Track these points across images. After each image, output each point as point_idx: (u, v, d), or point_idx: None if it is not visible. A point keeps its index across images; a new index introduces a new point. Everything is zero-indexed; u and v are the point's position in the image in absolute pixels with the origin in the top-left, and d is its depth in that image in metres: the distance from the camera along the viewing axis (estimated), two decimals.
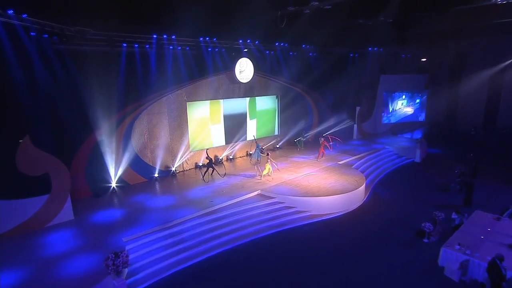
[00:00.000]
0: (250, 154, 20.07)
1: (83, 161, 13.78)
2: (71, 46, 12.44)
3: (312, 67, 22.28)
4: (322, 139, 19.39)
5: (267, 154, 16.44)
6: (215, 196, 13.80)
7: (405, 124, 27.66)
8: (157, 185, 15.33)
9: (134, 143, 15.40)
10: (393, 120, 27.44)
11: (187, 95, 16.93)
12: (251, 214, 12.95)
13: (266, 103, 21.55)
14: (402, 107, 27.38)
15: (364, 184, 15.20)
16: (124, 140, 14.94)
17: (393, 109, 27.19)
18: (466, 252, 9.43)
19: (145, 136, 15.72)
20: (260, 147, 19.31)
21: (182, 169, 17.35)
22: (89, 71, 12.91)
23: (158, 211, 12.35)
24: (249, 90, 19.82)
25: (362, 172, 17.69)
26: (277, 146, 21.95)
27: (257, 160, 18.60)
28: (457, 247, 9.73)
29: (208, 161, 15.88)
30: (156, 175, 16.12)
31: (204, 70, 17.05)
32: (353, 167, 18.19)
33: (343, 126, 24.85)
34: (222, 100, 18.63)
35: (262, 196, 14.17)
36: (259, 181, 15.56)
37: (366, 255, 10.84)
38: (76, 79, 12.72)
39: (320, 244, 11.56)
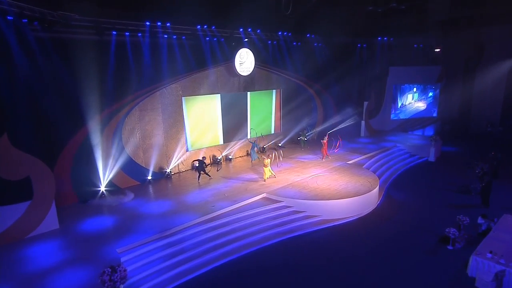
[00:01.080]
0: (250, 153, 19.67)
1: (68, 163, 13.30)
2: (54, 33, 11.91)
3: (317, 59, 22.05)
4: (325, 138, 19.06)
5: (268, 156, 15.97)
6: (216, 200, 13.45)
7: (416, 120, 27.47)
8: (151, 189, 14.90)
9: (125, 142, 14.99)
10: (402, 116, 27.24)
11: (182, 89, 16.55)
12: (257, 219, 12.62)
13: (268, 98, 21.19)
14: (413, 101, 27.18)
15: (377, 186, 14.92)
16: (113, 139, 14.50)
17: (402, 104, 26.98)
18: (500, 261, 9.13)
19: (137, 134, 15.30)
20: (258, 146, 18.98)
21: (177, 171, 17.00)
22: (75, 62, 12.45)
23: (154, 218, 11.94)
24: (250, 84, 19.50)
25: (374, 172, 17.43)
26: (280, 144, 21.65)
27: (257, 160, 18.32)
28: (489, 255, 9.42)
29: (197, 163, 15.63)
30: (149, 177, 15.76)
31: (202, 62, 16.68)
32: (364, 166, 17.98)
33: (350, 123, 24.57)
34: (220, 94, 18.27)
35: (267, 200, 13.85)
36: (263, 183, 15.22)
37: (385, 263, 10.55)
38: (60, 71, 12.23)
39: (333, 252, 11.27)
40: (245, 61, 18.31)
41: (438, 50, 25.95)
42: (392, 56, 25.23)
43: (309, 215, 13.34)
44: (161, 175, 16.22)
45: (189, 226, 11.49)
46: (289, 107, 21.81)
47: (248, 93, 19.77)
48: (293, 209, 13.47)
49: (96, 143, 13.85)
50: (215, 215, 12.30)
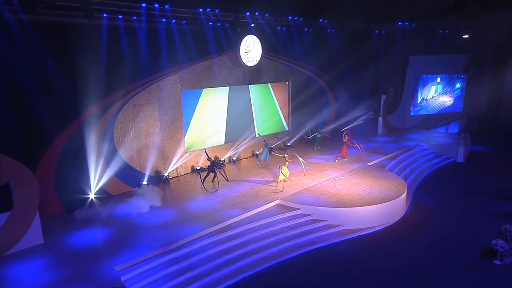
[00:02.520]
0: (257, 154, 19.34)
1: (52, 166, 12.85)
2: (36, 15, 11.47)
3: (330, 47, 21.91)
4: (346, 136, 18.72)
5: (284, 155, 15.62)
6: (223, 207, 13.14)
7: (439, 117, 27.27)
8: (146, 195, 14.28)
9: (117, 142, 14.59)
10: (424, 111, 27.01)
11: (181, 82, 16.24)
12: (272, 230, 12.30)
13: (276, 91, 20.97)
14: (436, 95, 26.92)
15: (405, 191, 14.67)
16: (104, 139, 14.08)
17: (423, 98, 26.72)
18: None
19: (130, 133, 14.94)
20: (270, 145, 18.72)
21: (176, 174, 16.70)
22: (61, 50, 12.04)
23: (156, 229, 11.56)
24: (256, 75, 19.24)
25: (397, 175, 17.19)
26: (288, 144, 21.40)
27: (266, 161, 18.10)
28: None
29: (209, 163, 15.27)
30: (144, 182, 15.38)
31: (203, 50, 16.37)
32: (386, 168, 17.82)
33: (366, 120, 24.32)
34: (223, 87, 18.01)
35: (282, 207, 13.57)
36: (275, 188, 14.94)
37: (421, 280, 10.24)
38: (43, 59, 11.79)
39: (360, 266, 10.97)
40: (251, 49, 18.04)
41: (467, 36, 25.66)
42: (413, 44, 24.97)
43: (330, 225, 13.05)
44: (158, 180, 15.89)
45: (196, 239, 11.15)
46: (299, 102, 21.55)
47: (253, 86, 19.51)
48: (312, 218, 13.19)
49: (84, 143, 13.45)
50: (225, 225, 11.98)
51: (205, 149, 16.29)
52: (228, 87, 18.13)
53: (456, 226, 13.35)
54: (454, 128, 26.90)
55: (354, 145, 18.58)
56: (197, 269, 10.17)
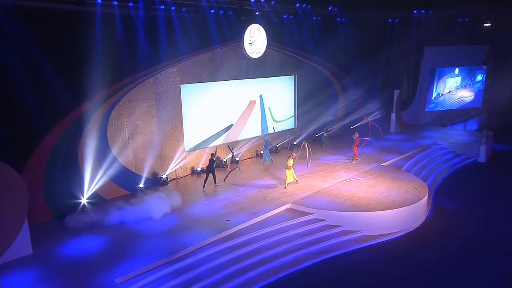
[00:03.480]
0: (262, 154, 19.29)
1: (40, 168, 12.68)
2: (24, 1, 11.29)
3: (340, 37, 21.95)
4: (357, 134, 18.69)
5: (290, 156, 15.31)
6: (230, 212, 13.05)
7: (456, 113, 27.22)
8: (145, 200, 14.10)
9: (111, 141, 14.45)
10: (440, 107, 26.95)
11: (181, 75, 16.16)
12: (284, 237, 12.18)
13: (284, 85, 20.97)
14: (454, 89, 26.82)
15: (427, 194, 14.59)
16: (97, 137, 13.91)
17: (439, 93, 26.64)
18: None
19: (125, 131, 14.82)
20: (271, 145, 18.71)
21: (175, 176, 16.62)
22: (51, 39, 11.87)
23: (156, 237, 11.38)
24: (261, 68, 19.24)
25: (416, 175, 17.12)
26: (294, 143, 21.40)
27: (271, 162, 18.15)
28: None
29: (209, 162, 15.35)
30: (141, 185, 15.28)
31: (204, 41, 16.31)
32: (403, 169, 17.82)
33: (378, 116, 24.24)
34: (227, 81, 18.00)
35: (293, 212, 13.49)
36: (285, 190, 14.87)
37: None
38: (31, 49, 11.60)
39: (381, 276, 10.85)
40: (255, 40, 17.97)
41: (488, 24, 25.52)
42: (429, 34, 24.89)
43: (346, 231, 12.95)
44: (156, 182, 15.82)
45: (201, 247, 11.01)
46: (306, 97, 21.54)
47: (259, 80, 19.49)
48: (326, 223, 13.09)
49: (75, 143, 13.32)
50: (232, 231, 11.87)
51: (228, 145, 16.57)
52: (231, 81, 18.13)
53: (483, 232, 13.23)
54: (472, 125, 26.92)
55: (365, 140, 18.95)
56: (204, 281, 9.97)
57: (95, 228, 12.02)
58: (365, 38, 22.23)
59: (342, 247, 12.28)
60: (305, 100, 21.51)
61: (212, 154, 15.59)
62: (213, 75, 17.29)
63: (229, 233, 11.76)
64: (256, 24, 17.73)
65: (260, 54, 18.29)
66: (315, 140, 21.78)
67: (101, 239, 11.41)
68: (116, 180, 14.59)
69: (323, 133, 21.09)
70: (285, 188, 15.00)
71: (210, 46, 16.59)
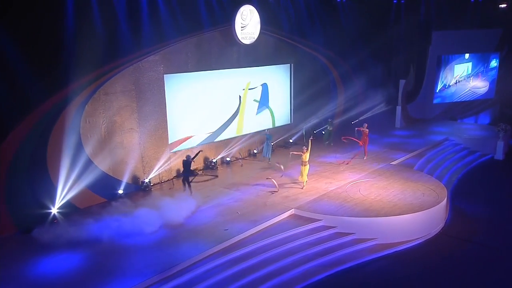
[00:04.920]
0: (255, 152, 19.68)
1: (1, 173, 12.41)
2: None
3: (340, 21, 22.19)
4: (366, 124, 19.06)
5: (303, 151, 15.29)
6: (226, 220, 13.00)
7: (466, 105, 27.68)
8: (127, 208, 13.87)
9: (85, 141, 14.21)
10: (448, 99, 27.36)
11: (165, 64, 16.07)
12: (290, 247, 12.15)
13: (278, 76, 21.06)
14: (463, 79, 27.24)
15: (446, 196, 14.79)
16: (68, 137, 13.64)
17: (445, 84, 27.01)
18: None
19: (101, 129, 14.61)
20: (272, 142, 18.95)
21: (158, 180, 16.54)
22: (14, 20, 11.65)
23: (146, 251, 11.20)
24: (253, 56, 19.26)
25: (429, 175, 17.39)
26: (290, 141, 21.59)
27: (269, 159, 18.43)
28: None
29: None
30: (120, 191, 15.14)
31: (191, 24, 16.24)
32: (414, 168, 18.14)
33: (381, 110, 24.52)
34: (215, 71, 18.00)
35: (298, 218, 13.53)
36: (287, 194, 14.93)
37: None
38: None
39: None
40: (248, 23, 17.97)
41: (504, 6, 25.99)
42: (437, 17, 25.23)
43: (359, 239, 13.03)
44: (137, 188, 15.72)
45: (199, 261, 10.90)
46: (302, 89, 21.71)
47: (252, 69, 19.56)
48: (336, 230, 13.14)
49: (43, 142, 13.07)
50: (232, 242, 11.82)
51: (200, 151, 16.37)
52: (221, 70, 18.16)
53: (509, 237, 13.45)
54: (484, 118, 27.42)
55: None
56: None
57: (70, 242, 11.70)
58: (368, 21, 22.50)
59: (355, 257, 12.34)
60: (301, 92, 21.68)
61: (187, 156, 15.17)
62: (201, 64, 17.24)
63: (228, 244, 11.69)
64: (249, 5, 17.74)
65: (253, 40, 18.32)
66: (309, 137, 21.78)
67: (78, 255, 11.14)
68: (91, 186, 14.38)
69: (327, 126, 21.23)
70: (302, 188, 15.34)
71: (197, 30, 16.53)
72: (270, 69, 20.46)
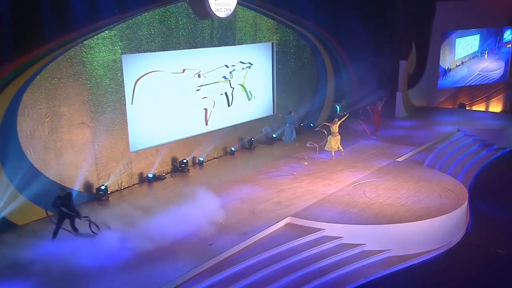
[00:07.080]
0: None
1: None
2: None
3: None
4: (380, 102, 21.46)
5: (334, 123, 18.31)
6: (209, 233, 12.81)
7: (475, 89, 28.29)
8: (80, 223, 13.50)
9: (24, 140, 13.92)
10: (457, 83, 27.93)
11: (122, 41, 15.99)
12: (289, 263, 12.14)
13: (259, 56, 21.39)
14: (468, 58, 27.76)
15: (467, 197, 15.11)
16: (2, 133, 13.44)
17: (444, 69, 27.51)
18: None
19: (44, 124, 14.33)
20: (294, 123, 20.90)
21: (117, 187, 16.44)
22: None
23: (113, 275, 10.87)
24: (228, 32, 19.58)
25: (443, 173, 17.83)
26: (274, 136, 22.13)
27: (293, 141, 20.43)
28: None
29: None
30: None
31: None
32: (425, 164, 18.63)
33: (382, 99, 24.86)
34: (183, 50, 18.11)
35: (295, 228, 13.54)
36: (278, 200, 15.01)
37: None
38: None
39: None
40: None
41: None
42: None
43: (369, 251, 13.10)
44: (91, 196, 15.56)
45: (182, 284, 10.69)
46: (287, 73, 22.27)
47: (229, 48, 19.78)
48: (342, 242, 13.19)
49: None
50: (219, 260, 11.66)
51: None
52: (192, 49, 18.28)
53: None
54: (496, 105, 28.09)
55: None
56: None
57: (11, 268, 11.43)
58: None
59: (365, 273, 12.43)
60: (286, 77, 22.13)
61: (60, 189, 12.99)
62: (167, 42, 17.35)
63: (215, 262, 11.56)
64: None
65: (229, 12, 18.51)
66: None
67: (24, 284, 10.74)
68: (33, 197, 14.11)
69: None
70: (332, 159, 18.48)
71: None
72: (249, 48, 20.84)
